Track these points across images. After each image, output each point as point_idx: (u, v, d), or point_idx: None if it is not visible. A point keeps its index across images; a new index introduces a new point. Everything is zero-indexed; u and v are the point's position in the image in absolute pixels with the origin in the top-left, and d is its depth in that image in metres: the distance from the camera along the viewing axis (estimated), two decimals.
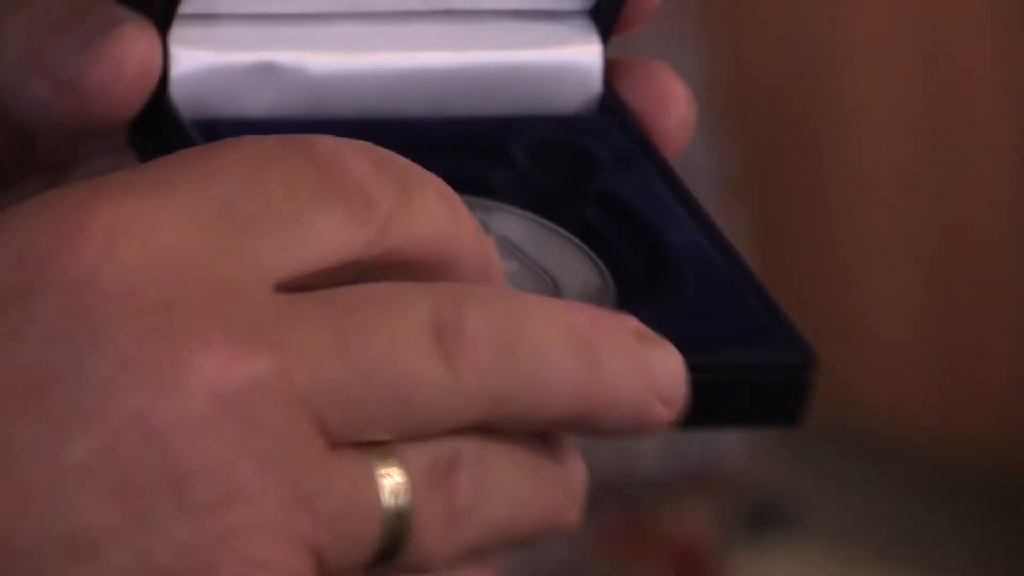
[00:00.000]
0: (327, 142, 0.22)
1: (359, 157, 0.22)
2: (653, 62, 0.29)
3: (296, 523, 0.20)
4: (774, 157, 2.57)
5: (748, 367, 0.24)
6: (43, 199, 0.22)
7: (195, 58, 0.25)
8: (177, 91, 0.25)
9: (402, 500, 0.21)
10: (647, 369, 0.22)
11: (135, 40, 0.25)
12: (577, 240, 0.25)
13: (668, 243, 0.25)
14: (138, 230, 0.20)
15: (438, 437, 0.22)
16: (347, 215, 0.21)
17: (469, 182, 0.25)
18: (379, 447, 0.21)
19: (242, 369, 0.20)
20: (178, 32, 0.24)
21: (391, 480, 0.21)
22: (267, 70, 0.25)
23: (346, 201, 0.21)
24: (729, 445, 1.93)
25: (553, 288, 0.25)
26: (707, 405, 0.23)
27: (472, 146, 0.27)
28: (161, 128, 0.25)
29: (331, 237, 0.21)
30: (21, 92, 0.26)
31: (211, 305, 0.21)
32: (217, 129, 0.24)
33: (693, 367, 0.22)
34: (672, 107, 0.28)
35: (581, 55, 0.27)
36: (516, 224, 0.26)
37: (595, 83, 0.28)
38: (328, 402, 0.21)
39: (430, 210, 0.22)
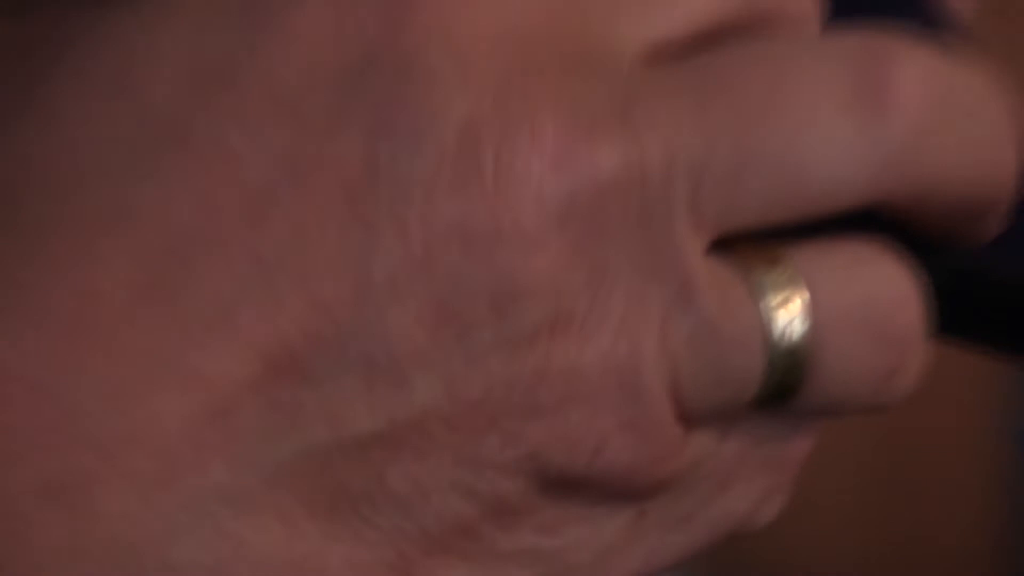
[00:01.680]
0: None
1: None
2: None
3: (644, 359, 0.17)
4: None
5: None
6: None
7: None
8: None
9: (798, 327, 0.18)
10: None
11: None
12: None
13: None
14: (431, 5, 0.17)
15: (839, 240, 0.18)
16: None
17: None
18: (767, 252, 0.17)
19: (586, 166, 0.17)
20: None
21: (792, 300, 0.18)
22: None
23: None
24: None
25: None
26: None
27: None
28: None
29: None
30: None
31: (555, 84, 0.17)
32: None
33: None
34: None
35: None
36: None
37: None
38: (706, 196, 0.17)
39: None
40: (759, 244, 0.18)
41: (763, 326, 0.17)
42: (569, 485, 0.18)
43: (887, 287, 0.18)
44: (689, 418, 0.18)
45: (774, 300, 0.17)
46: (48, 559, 0.16)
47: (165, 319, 0.17)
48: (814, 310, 0.18)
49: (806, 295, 0.18)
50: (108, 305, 0.17)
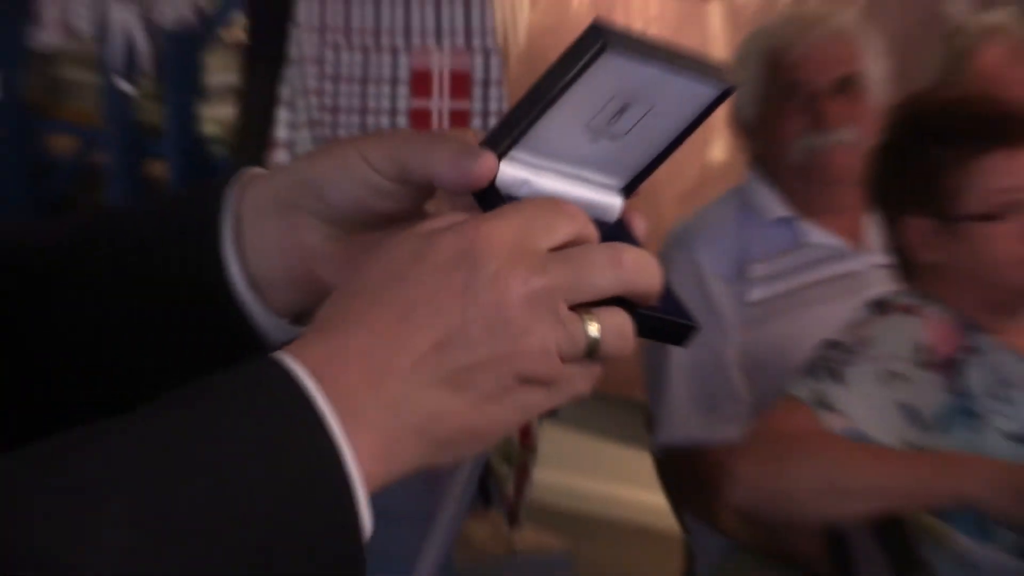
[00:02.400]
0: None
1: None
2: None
3: (552, 343, 0.44)
4: None
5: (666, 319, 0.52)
6: (454, 218, 0.48)
7: (506, 171, 0.51)
8: (499, 182, 0.51)
9: (594, 333, 0.46)
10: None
11: (490, 160, 0.50)
12: None
13: None
14: (485, 232, 0.45)
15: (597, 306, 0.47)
16: None
17: None
18: (584, 311, 0.46)
19: (533, 286, 0.44)
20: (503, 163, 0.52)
21: (592, 325, 0.46)
22: (526, 183, 0.53)
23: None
24: None
25: None
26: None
27: None
28: (489, 195, 0.51)
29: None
30: (436, 169, 0.52)
31: (522, 261, 0.44)
32: (511, 199, 0.52)
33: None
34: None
35: (615, 203, 0.57)
36: None
37: (615, 215, 0.57)
38: (566, 297, 0.45)
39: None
40: (584, 307, 0.45)
41: (586, 333, 0.45)
42: (527, 380, 0.45)
43: (624, 319, 0.46)
44: (563, 360, 0.45)
45: (589, 325, 0.45)
46: (358, 405, 0.42)
47: (399, 340, 0.43)
48: (601, 329, 0.45)
49: (597, 324, 0.45)
50: (389, 352, 0.42)
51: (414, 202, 0.58)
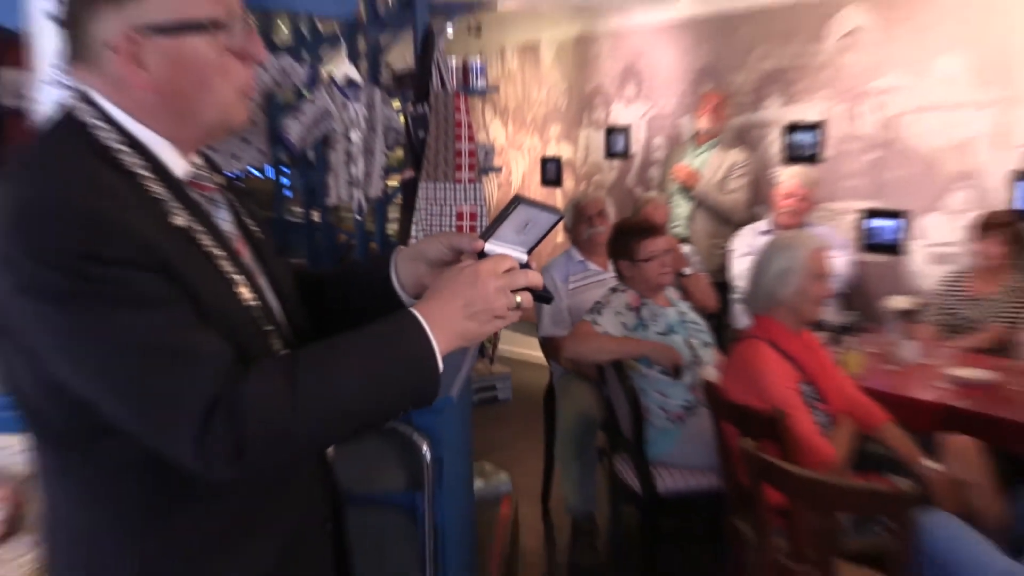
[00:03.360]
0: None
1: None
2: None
3: (504, 303, 1.18)
4: None
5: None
6: (470, 263, 1.20)
7: (487, 247, 1.24)
8: (486, 250, 1.25)
9: (518, 300, 1.19)
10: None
11: (481, 243, 1.23)
12: None
13: None
14: (480, 266, 1.18)
15: None
16: None
17: None
18: (514, 293, 1.18)
19: (495, 284, 1.18)
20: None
21: (517, 297, 1.18)
22: (494, 250, 1.24)
23: None
24: None
25: None
26: None
27: None
28: (481, 255, 1.25)
29: None
30: (464, 247, 1.30)
31: (488, 277, 1.17)
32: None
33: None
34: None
35: (524, 256, 1.28)
36: None
37: (525, 260, 1.28)
38: (508, 287, 1.19)
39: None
40: (515, 292, 1.21)
41: (516, 300, 1.21)
42: (496, 316, 1.19)
43: (527, 296, 1.20)
44: (508, 309, 1.19)
45: (517, 297, 1.20)
46: (437, 326, 1.16)
47: (450, 304, 1.17)
48: (520, 298, 1.19)
49: (519, 298, 1.20)
50: (447, 307, 1.17)
51: (455, 258, 1.28)
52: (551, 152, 7.39)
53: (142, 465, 1.09)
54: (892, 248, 5.05)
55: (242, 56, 1.16)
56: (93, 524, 1.15)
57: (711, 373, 3.36)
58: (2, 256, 1.01)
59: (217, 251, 1.15)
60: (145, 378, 1.01)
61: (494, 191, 7.46)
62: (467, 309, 1.15)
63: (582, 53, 7.01)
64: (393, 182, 4.29)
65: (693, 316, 3.70)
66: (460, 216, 3.84)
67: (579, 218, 4.34)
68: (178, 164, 1.18)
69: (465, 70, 4.27)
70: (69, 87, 1.17)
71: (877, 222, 5.13)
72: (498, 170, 4.99)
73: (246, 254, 1.26)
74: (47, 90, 1.82)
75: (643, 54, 6.49)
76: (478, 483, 3.87)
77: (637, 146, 6.61)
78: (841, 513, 2.47)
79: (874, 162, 5.13)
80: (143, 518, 1.13)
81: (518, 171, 7.72)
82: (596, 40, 6.87)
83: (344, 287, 1.37)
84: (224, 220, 1.24)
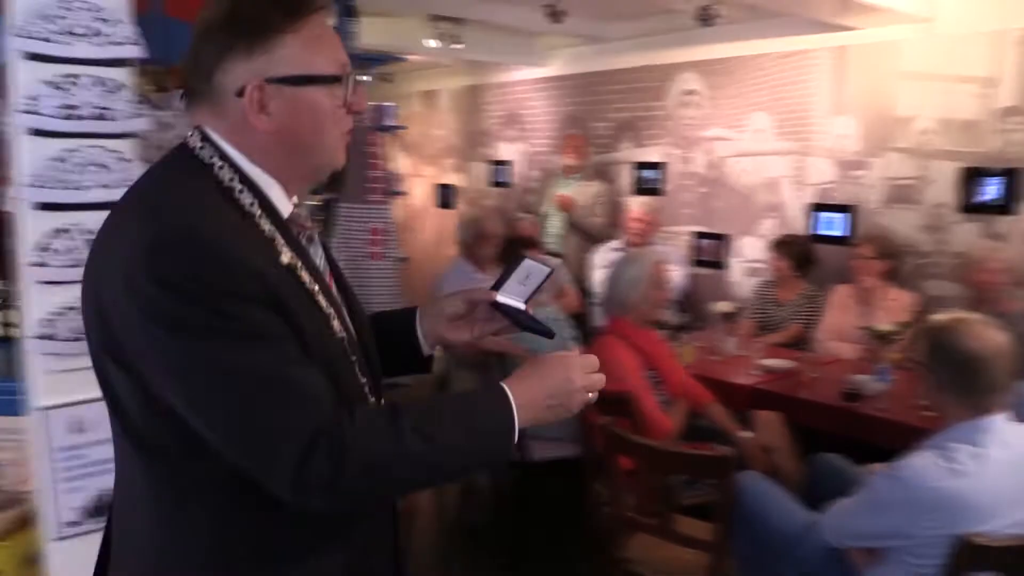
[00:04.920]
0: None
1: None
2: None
3: (582, 400, 1.10)
4: None
5: None
6: (563, 355, 1.10)
7: (498, 298, 1.22)
8: (498, 300, 1.23)
9: (592, 397, 1.11)
10: None
11: (494, 294, 1.22)
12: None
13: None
14: (571, 359, 1.10)
15: None
16: None
17: None
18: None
19: (581, 382, 1.09)
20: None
21: (591, 396, 1.10)
22: (503, 301, 1.21)
23: None
24: None
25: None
26: None
27: None
28: (496, 305, 1.22)
29: None
30: (479, 298, 1.24)
31: (577, 372, 1.09)
32: (503, 305, 1.22)
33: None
34: None
35: (523, 305, 1.24)
36: None
37: (523, 308, 1.24)
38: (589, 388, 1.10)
39: None
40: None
41: (590, 399, 1.12)
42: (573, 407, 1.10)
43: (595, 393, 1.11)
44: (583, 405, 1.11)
45: (590, 396, 1.11)
46: (521, 406, 1.05)
47: (536, 389, 1.07)
48: (592, 397, 1.12)
49: (593, 396, 1.12)
50: (535, 392, 1.07)
51: (470, 310, 1.24)
52: (446, 180, 7.34)
53: (233, 479, 0.98)
54: (716, 264, 5.17)
55: (349, 106, 1.09)
56: (175, 524, 1.02)
57: None
58: (134, 283, 0.92)
59: (315, 287, 1.06)
60: (254, 410, 0.92)
61: (397, 213, 7.39)
62: (550, 400, 1.08)
63: (473, 100, 7.03)
64: (315, 202, 4.21)
65: (560, 316, 3.70)
66: (374, 232, 3.78)
67: (479, 236, 4.26)
68: (284, 203, 1.08)
69: (379, 111, 4.22)
70: (189, 126, 1.09)
71: (706, 242, 5.24)
72: (403, 194, 4.93)
73: (334, 288, 1.15)
74: (21, 118, 1.70)
75: (523, 103, 6.54)
76: None
77: (517, 177, 6.64)
78: (676, 475, 2.50)
79: (703, 195, 5.26)
80: (226, 524, 1.02)
81: (419, 195, 7.67)
82: (485, 90, 6.89)
83: (375, 332, 1.24)
84: (318, 256, 1.14)
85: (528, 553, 3.37)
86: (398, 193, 4.42)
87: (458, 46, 5.34)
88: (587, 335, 4.26)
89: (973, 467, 1.75)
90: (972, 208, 4.06)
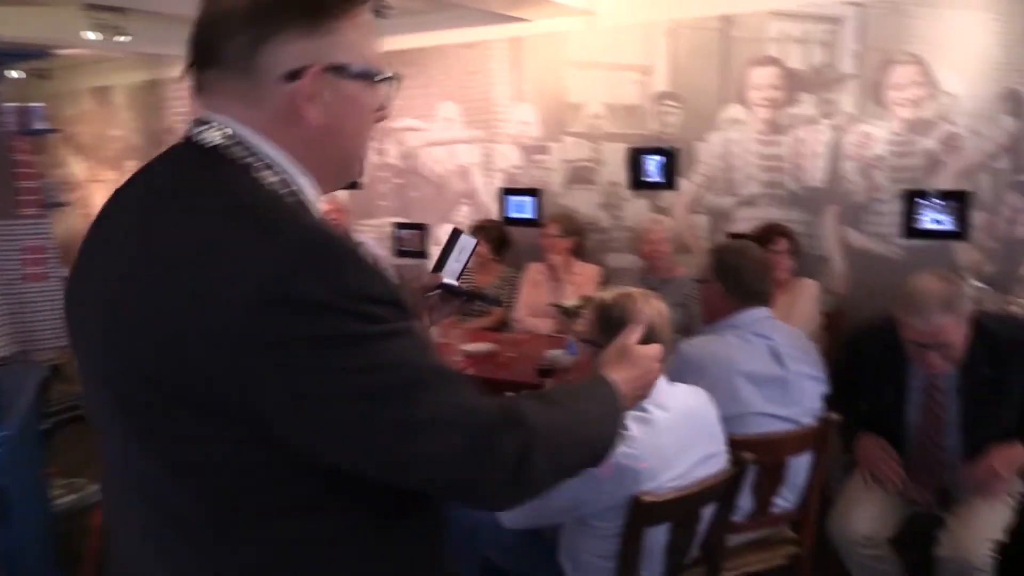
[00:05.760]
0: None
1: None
2: None
3: (651, 380, 1.23)
4: None
5: None
6: (647, 349, 1.23)
7: (439, 278, 1.29)
8: (442, 280, 1.29)
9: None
10: None
11: (439, 276, 1.29)
12: None
13: None
14: (644, 350, 1.22)
15: None
16: None
17: None
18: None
19: (654, 368, 1.23)
20: None
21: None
22: (445, 280, 1.29)
23: None
24: None
25: None
26: None
27: None
28: (441, 286, 1.28)
29: None
30: (427, 283, 1.29)
31: (650, 362, 1.23)
32: (447, 286, 1.28)
33: None
34: None
35: (455, 282, 1.32)
36: None
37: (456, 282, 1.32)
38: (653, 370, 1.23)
39: None
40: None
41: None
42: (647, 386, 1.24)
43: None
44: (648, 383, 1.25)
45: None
46: (622, 392, 1.12)
47: (628, 386, 1.14)
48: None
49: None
50: (627, 377, 1.15)
51: (423, 293, 1.27)
52: None
53: (349, 512, 0.87)
54: (419, 254, 5.22)
55: (381, 111, 0.96)
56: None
57: None
58: (269, 313, 0.75)
59: None
60: (460, 403, 0.84)
61: (75, 223, 6.60)
62: (633, 384, 1.17)
63: (154, 96, 6.49)
64: None
65: None
66: (28, 250, 3.31)
67: None
68: (316, 205, 0.93)
69: (24, 113, 3.70)
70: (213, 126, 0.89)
71: (406, 232, 5.28)
72: (67, 204, 4.41)
73: None
74: None
75: None
76: (69, 499, 3.37)
77: None
78: None
79: (399, 186, 5.28)
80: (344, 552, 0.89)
81: (99, 203, 6.93)
82: (166, 85, 6.38)
83: None
84: None
85: None
86: (60, 204, 3.91)
87: (123, 38, 4.85)
88: None
89: (639, 432, 1.84)
90: (640, 185, 4.43)
